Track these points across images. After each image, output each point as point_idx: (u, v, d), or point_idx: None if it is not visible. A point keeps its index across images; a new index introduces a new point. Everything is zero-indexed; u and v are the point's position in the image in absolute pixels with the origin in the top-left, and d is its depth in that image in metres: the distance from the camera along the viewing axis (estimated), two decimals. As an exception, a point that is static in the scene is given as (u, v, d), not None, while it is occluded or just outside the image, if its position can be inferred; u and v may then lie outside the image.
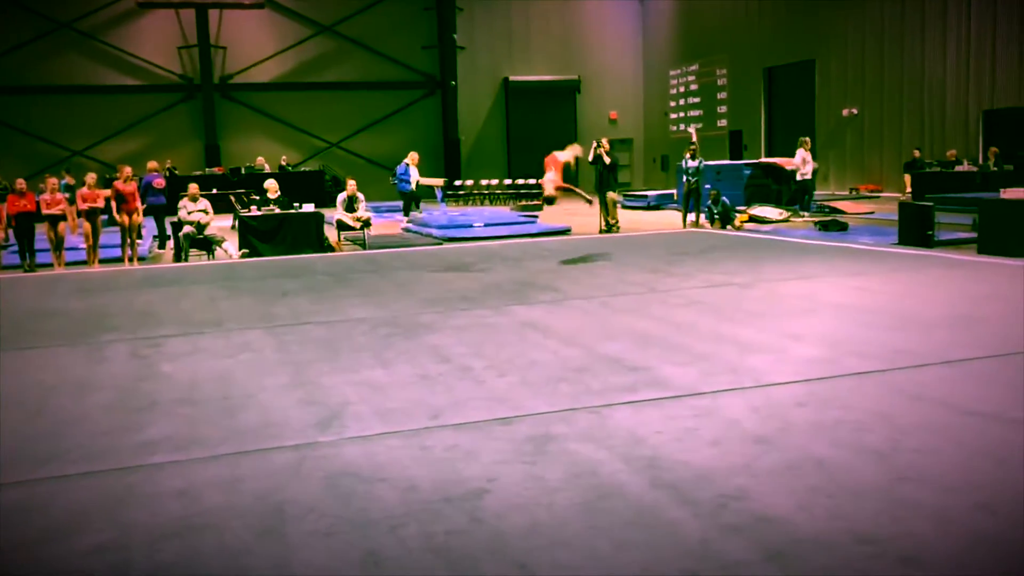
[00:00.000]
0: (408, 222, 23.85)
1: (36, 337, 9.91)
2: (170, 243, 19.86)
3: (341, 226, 19.27)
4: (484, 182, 37.65)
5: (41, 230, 18.41)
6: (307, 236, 17.96)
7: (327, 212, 20.80)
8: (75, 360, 8.71)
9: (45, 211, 17.87)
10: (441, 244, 18.81)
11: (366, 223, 19.20)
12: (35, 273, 16.94)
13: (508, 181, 37.91)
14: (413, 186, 25.41)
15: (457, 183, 38.13)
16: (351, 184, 19.92)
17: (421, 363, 7.91)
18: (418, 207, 25.89)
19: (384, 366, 7.89)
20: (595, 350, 8.08)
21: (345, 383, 7.37)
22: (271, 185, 19.12)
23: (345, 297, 11.67)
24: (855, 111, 34.33)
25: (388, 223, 24.62)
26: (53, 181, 18.90)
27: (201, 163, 39.71)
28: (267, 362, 8.29)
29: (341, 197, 19.78)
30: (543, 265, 14.49)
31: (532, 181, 36.22)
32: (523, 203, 31.34)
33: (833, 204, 26.33)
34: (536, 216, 24.73)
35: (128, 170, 18.92)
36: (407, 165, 25.35)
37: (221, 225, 21.19)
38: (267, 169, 35.23)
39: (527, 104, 45.05)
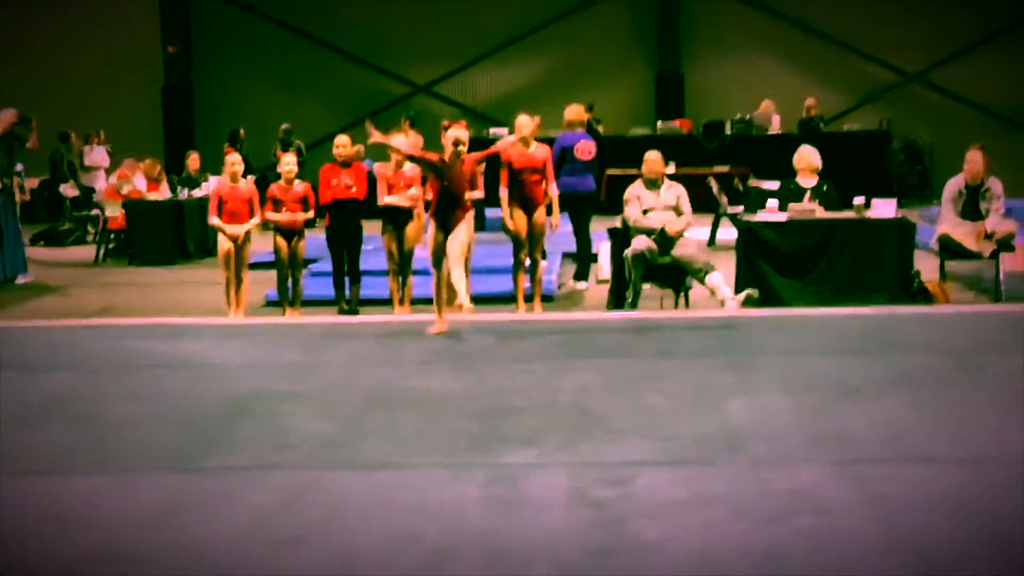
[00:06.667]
0: None
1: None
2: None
3: (950, 247, 12.01)
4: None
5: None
6: (877, 267, 12.11)
7: (916, 217, 13.53)
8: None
9: (385, 199, 10.68)
10: None
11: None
12: (358, 319, 10.64)
13: None
14: None
15: None
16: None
17: None
18: None
19: None
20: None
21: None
22: (806, 159, 12.07)
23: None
24: None
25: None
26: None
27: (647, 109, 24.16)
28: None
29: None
30: None
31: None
32: None
33: None
34: None
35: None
36: None
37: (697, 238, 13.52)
38: (775, 124, 21.01)
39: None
